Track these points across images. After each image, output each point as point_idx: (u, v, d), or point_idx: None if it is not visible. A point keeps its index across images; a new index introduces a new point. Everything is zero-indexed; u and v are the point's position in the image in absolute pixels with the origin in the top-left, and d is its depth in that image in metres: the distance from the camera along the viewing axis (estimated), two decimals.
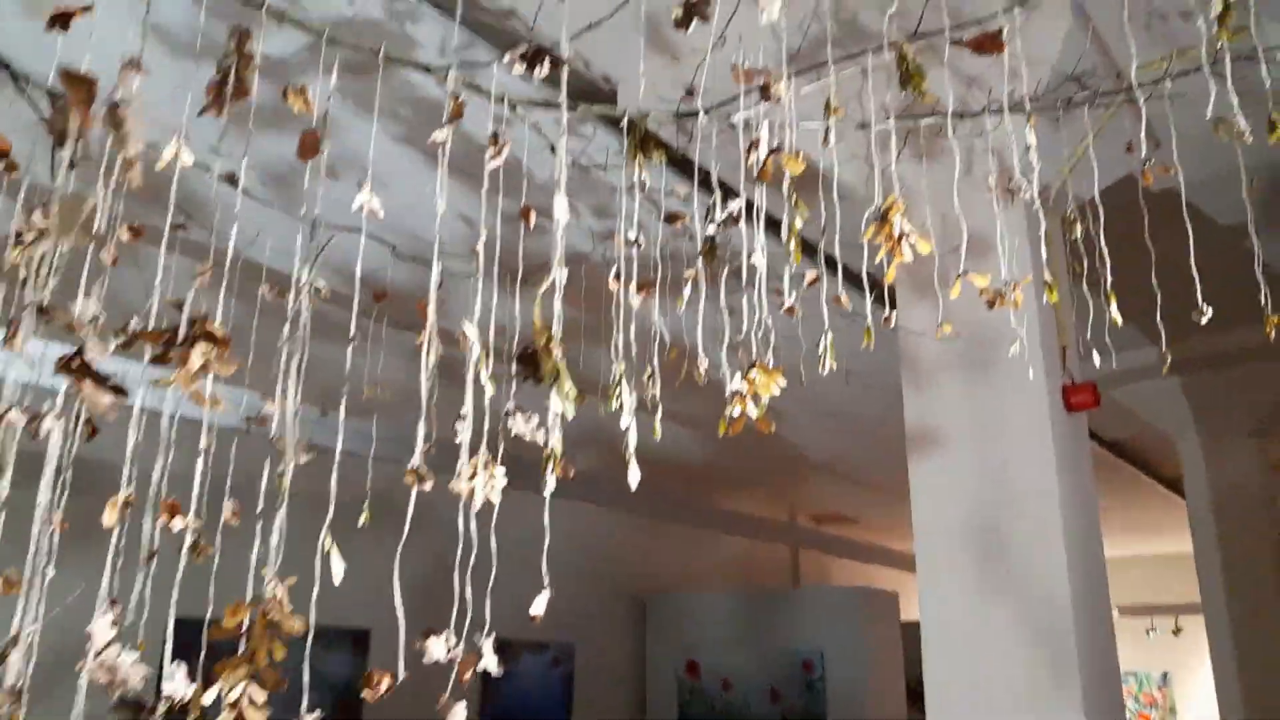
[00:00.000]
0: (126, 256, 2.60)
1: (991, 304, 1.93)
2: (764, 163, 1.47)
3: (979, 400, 3.19)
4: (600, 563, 8.67)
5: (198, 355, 1.03)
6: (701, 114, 1.79)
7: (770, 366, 1.51)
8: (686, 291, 1.72)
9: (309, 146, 1.48)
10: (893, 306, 3.72)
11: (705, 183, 2.98)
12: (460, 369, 2.18)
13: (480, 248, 1.55)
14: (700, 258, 1.64)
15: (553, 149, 1.77)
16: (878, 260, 1.65)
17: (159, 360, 1.06)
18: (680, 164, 2.59)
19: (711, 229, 1.59)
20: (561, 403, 1.34)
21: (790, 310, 1.57)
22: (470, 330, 1.37)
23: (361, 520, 2.21)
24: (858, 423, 7.35)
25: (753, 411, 1.49)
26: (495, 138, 1.65)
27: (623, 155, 3.15)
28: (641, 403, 2.12)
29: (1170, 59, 2.11)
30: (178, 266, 2.81)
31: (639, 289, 2.14)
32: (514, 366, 1.39)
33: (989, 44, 1.67)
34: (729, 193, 2.12)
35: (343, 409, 1.80)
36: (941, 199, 2.87)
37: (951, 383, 3.26)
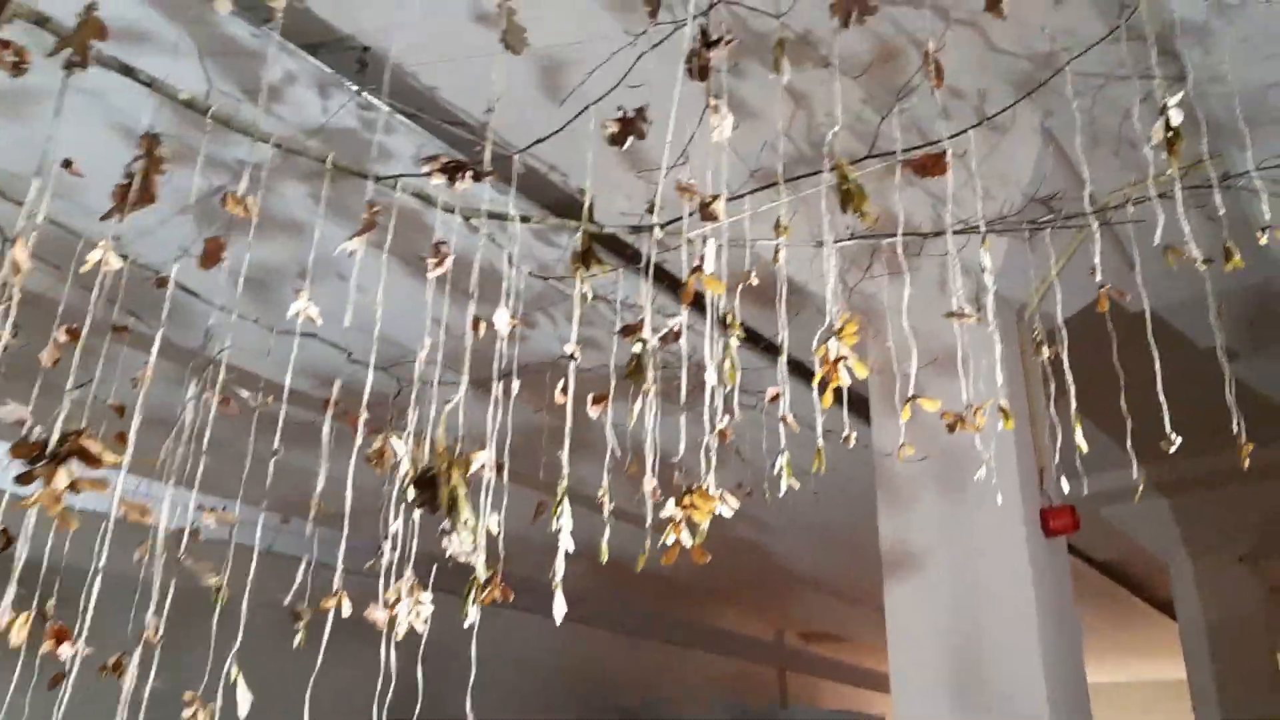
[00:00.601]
0: (93, 355, 2.56)
1: (952, 428, 1.88)
2: (686, 283, 1.44)
3: (955, 522, 3.12)
4: (578, 680, 8.37)
5: (64, 475, 0.97)
6: (657, 229, 1.77)
7: (711, 489, 1.44)
8: (637, 407, 1.66)
9: (211, 255, 1.45)
10: (866, 422, 3.67)
11: (674, 289, 2.95)
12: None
13: (421, 357, 1.50)
14: (629, 374, 1.59)
15: (510, 260, 1.74)
16: (815, 382, 1.61)
17: (23, 479, 0.99)
18: (658, 274, 2.58)
19: (637, 348, 1.55)
20: (459, 534, 1.27)
21: (723, 435, 1.52)
22: (398, 445, 1.31)
23: (297, 640, 2.10)
24: (844, 536, 7.21)
25: (687, 541, 1.42)
26: (437, 248, 1.62)
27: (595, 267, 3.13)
28: (622, 513, 2.04)
29: (1131, 184, 2.11)
30: (152, 366, 2.76)
31: (596, 400, 2.09)
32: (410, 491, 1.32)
33: (933, 166, 1.67)
34: (699, 301, 2.10)
35: (261, 515, 1.73)
36: (915, 315, 2.86)
37: (927, 503, 3.19)
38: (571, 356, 1.64)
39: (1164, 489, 6.31)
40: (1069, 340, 2.63)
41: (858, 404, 4.22)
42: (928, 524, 3.18)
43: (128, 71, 1.51)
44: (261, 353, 2.86)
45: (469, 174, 1.55)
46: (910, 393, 2.10)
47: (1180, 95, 1.59)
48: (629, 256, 3.11)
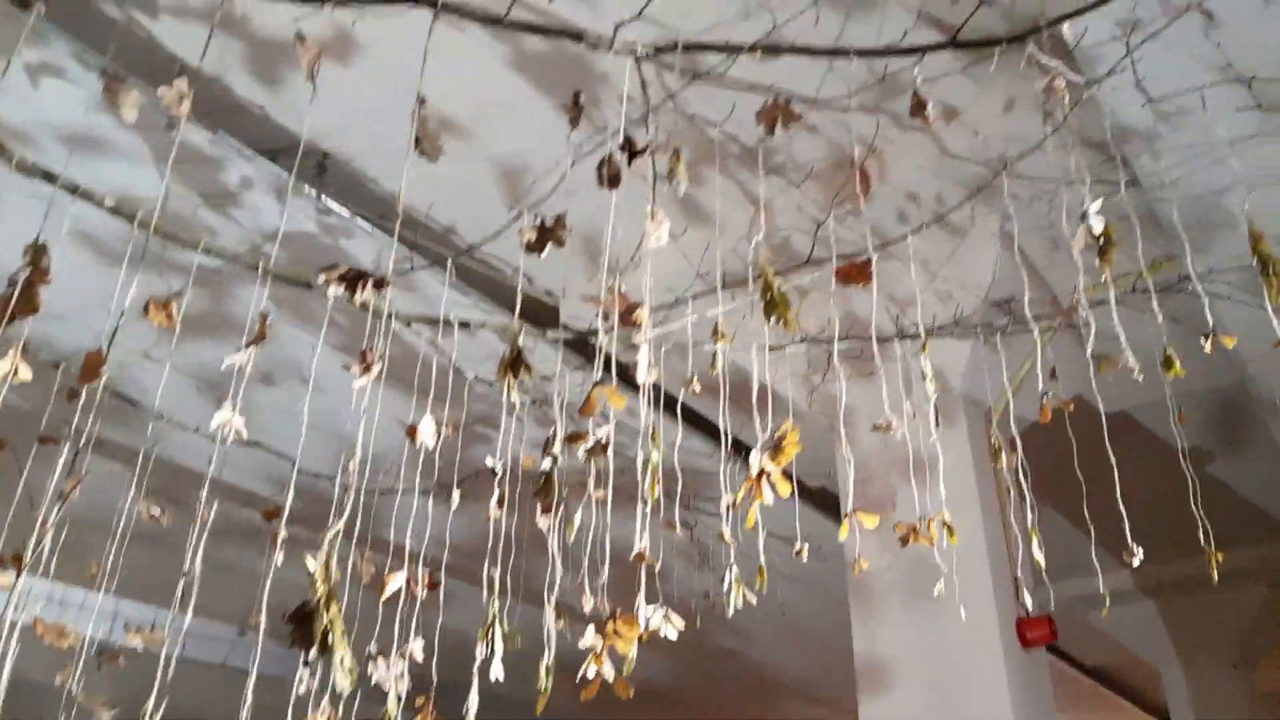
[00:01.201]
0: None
1: (905, 541, 1.82)
2: (588, 397, 1.40)
3: (928, 633, 3.01)
4: None
5: None
6: (601, 334, 1.74)
7: (640, 613, 1.37)
8: (578, 518, 1.60)
9: (90, 369, 1.41)
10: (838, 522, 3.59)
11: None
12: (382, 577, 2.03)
13: (353, 465, 1.44)
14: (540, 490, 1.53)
15: (451, 362, 1.69)
16: (738, 498, 1.55)
17: None
18: (628, 379, 2.54)
19: (547, 463, 1.50)
20: (338, 675, 1.19)
21: (640, 557, 1.45)
22: (312, 564, 1.24)
23: None
24: (831, 642, 7.01)
25: (609, 673, 1.33)
26: (364, 355, 1.58)
27: (568, 367, 3.09)
28: (583, 619, 1.95)
29: (1074, 290, 2.11)
30: (101, 468, 2.70)
31: (544, 510, 2.02)
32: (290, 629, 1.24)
33: (856, 274, 1.65)
34: (671, 404, 2.07)
35: (171, 617, 1.64)
36: (880, 418, 2.81)
37: (900, 612, 3.09)
38: (493, 471, 1.58)
39: (1151, 592, 6.18)
40: (1046, 443, 2.56)
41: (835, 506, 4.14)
42: (901, 634, 3.07)
43: (49, 178, 1.49)
44: (204, 452, 2.79)
45: (370, 284, 1.51)
46: (870, 499, 2.04)
47: (1099, 204, 1.59)
48: (591, 358, 3.09)
